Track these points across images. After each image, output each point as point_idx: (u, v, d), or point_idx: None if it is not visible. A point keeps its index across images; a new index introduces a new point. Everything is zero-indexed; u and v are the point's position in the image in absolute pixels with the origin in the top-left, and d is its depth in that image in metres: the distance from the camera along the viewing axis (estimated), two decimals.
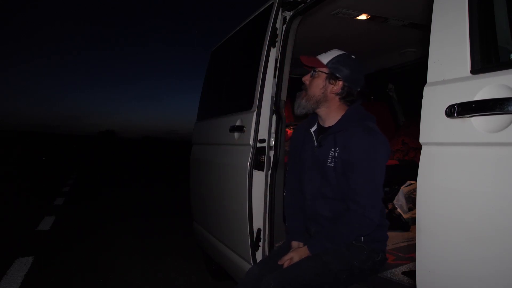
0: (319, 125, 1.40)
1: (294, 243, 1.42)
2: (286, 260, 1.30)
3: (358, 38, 2.37)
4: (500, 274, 0.72)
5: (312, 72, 1.35)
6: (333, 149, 1.29)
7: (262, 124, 1.70)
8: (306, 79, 1.37)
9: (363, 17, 1.97)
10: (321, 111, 1.35)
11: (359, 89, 1.33)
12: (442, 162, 0.83)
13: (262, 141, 1.70)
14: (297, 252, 1.32)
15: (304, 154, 1.42)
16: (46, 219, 4.15)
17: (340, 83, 1.30)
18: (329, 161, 1.29)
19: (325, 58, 1.33)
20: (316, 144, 1.37)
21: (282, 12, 1.74)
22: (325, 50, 1.39)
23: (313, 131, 1.40)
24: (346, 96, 1.32)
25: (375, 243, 1.33)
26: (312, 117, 1.43)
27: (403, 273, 1.43)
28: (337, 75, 1.30)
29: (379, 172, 1.23)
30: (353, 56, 1.35)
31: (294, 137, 1.55)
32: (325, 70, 1.32)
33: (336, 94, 1.31)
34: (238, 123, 1.85)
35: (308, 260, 1.28)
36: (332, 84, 1.31)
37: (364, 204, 1.22)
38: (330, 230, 1.29)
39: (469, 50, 0.80)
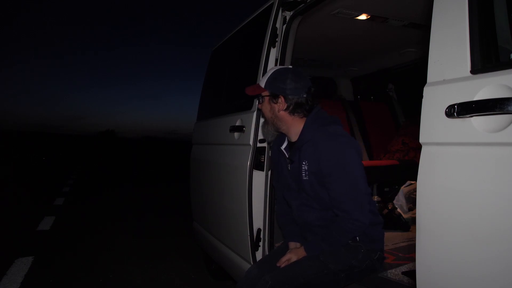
0: (288, 141, 1.39)
1: (292, 244, 1.43)
2: (284, 262, 1.30)
3: (358, 38, 2.37)
4: (500, 274, 0.72)
5: (260, 99, 1.36)
6: (303, 163, 1.28)
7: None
8: (260, 107, 1.38)
9: (363, 17, 1.97)
10: (282, 130, 1.36)
11: (305, 96, 1.29)
12: (442, 162, 0.83)
13: (262, 141, 1.70)
14: (295, 253, 1.32)
15: (282, 172, 1.43)
16: (46, 219, 4.15)
17: (282, 99, 1.29)
18: (303, 175, 1.29)
19: (262, 81, 1.33)
20: (288, 160, 1.37)
21: (282, 12, 1.74)
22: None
23: (284, 148, 1.39)
24: (295, 108, 1.29)
25: (372, 241, 1.33)
26: (281, 134, 1.43)
27: (403, 273, 1.43)
28: (276, 93, 1.29)
29: (356, 173, 1.22)
30: (289, 67, 1.34)
31: (272, 155, 1.56)
32: (266, 92, 1.32)
33: (284, 110, 1.29)
34: (238, 123, 1.85)
35: (307, 259, 1.28)
36: (275, 103, 1.30)
37: (349, 209, 1.21)
38: (325, 234, 1.30)
39: (469, 50, 0.80)
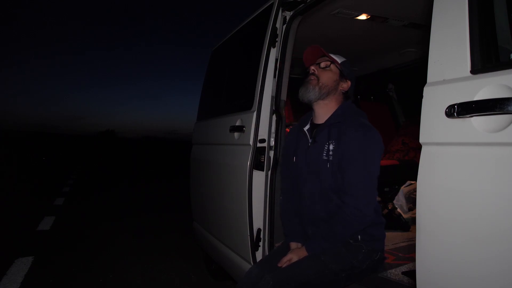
0: (312, 124, 1.45)
1: (293, 244, 1.43)
2: (285, 262, 1.30)
3: (358, 38, 2.37)
4: (500, 274, 0.72)
5: (328, 64, 1.41)
6: (327, 143, 1.32)
7: (262, 124, 1.70)
8: (316, 68, 1.41)
9: (363, 17, 1.97)
10: (323, 103, 1.39)
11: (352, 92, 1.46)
12: (442, 162, 0.83)
13: (262, 141, 1.70)
14: (296, 253, 1.32)
15: (299, 154, 1.44)
16: (46, 219, 4.15)
17: (349, 82, 1.42)
18: (324, 154, 1.32)
19: (337, 57, 1.42)
20: (310, 140, 1.40)
21: (282, 12, 1.74)
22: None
23: (307, 130, 1.44)
24: (347, 95, 1.42)
25: (373, 241, 1.33)
26: (306, 117, 1.50)
27: (403, 273, 1.43)
28: (348, 75, 1.42)
29: (374, 167, 1.26)
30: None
31: (287, 141, 1.58)
32: (339, 67, 1.40)
33: (343, 91, 1.41)
34: (238, 123, 1.85)
35: (308, 259, 1.28)
36: (343, 81, 1.41)
37: (358, 197, 1.24)
38: (326, 229, 1.30)
39: (469, 50, 0.80)
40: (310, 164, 1.37)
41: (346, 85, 1.41)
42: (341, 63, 1.41)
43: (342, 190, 1.28)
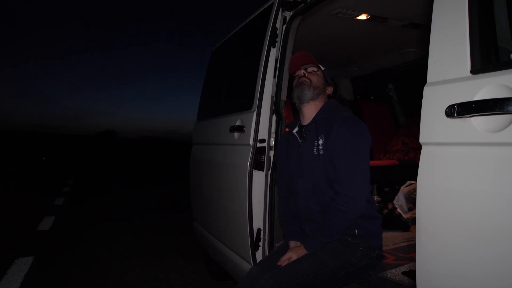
0: (300, 126, 1.51)
1: (292, 243, 1.44)
2: (285, 260, 1.31)
3: (358, 38, 2.37)
4: (500, 274, 0.72)
5: (315, 70, 1.50)
6: (317, 139, 1.37)
7: (262, 124, 1.70)
8: (305, 72, 1.49)
9: (363, 17, 1.97)
10: (313, 103, 1.45)
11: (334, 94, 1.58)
12: (442, 162, 0.83)
13: (262, 141, 1.70)
14: (295, 251, 1.34)
15: (291, 156, 1.48)
16: (46, 219, 4.15)
17: (332, 88, 1.54)
18: (314, 150, 1.36)
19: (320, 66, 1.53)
20: (300, 140, 1.45)
21: (282, 12, 1.74)
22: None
23: (296, 132, 1.50)
24: (329, 97, 1.53)
25: (370, 237, 1.34)
26: (293, 122, 1.57)
27: (403, 273, 1.43)
28: (330, 82, 1.54)
29: (362, 158, 1.30)
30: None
31: (278, 148, 1.63)
32: (323, 73, 1.51)
33: (328, 95, 1.52)
34: (238, 123, 1.85)
35: (306, 258, 1.29)
36: (328, 86, 1.52)
37: (348, 184, 1.27)
38: (322, 223, 1.32)
39: (469, 50, 0.80)
40: (303, 161, 1.41)
41: (330, 89, 1.53)
42: (323, 70, 1.53)
43: (334, 181, 1.31)
